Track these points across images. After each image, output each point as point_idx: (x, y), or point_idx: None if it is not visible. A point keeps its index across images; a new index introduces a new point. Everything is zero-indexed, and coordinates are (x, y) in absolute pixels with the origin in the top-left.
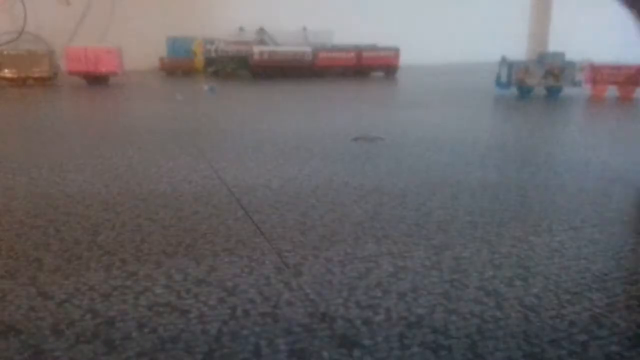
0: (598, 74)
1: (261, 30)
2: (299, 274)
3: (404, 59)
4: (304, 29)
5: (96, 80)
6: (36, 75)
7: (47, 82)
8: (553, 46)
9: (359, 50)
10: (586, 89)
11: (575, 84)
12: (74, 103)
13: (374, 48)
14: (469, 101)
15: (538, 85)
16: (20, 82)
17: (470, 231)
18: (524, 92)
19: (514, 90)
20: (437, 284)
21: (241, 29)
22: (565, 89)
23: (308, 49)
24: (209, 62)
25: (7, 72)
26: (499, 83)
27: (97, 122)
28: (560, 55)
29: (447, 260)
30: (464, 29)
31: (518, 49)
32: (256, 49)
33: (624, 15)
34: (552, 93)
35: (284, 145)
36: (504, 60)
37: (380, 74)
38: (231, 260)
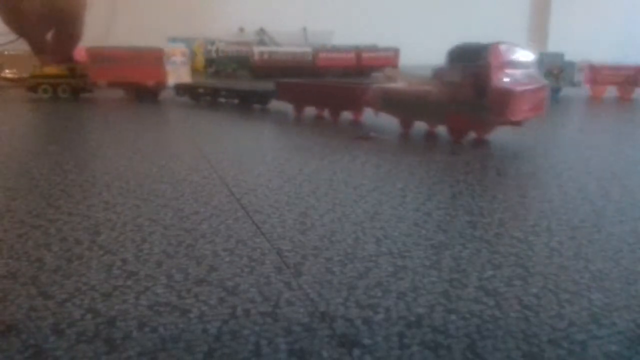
0: (597, 74)
1: (261, 31)
2: (299, 274)
3: (404, 59)
4: (304, 29)
5: None
6: None
7: None
8: (552, 46)
9: (359, 50)
10: (585, 89)
11: (574, 84)
12: (73, 102)
13: (373, 48)
14: None
15: None
16: (21, 83)
17: None
18: None
19: None
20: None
21: (241, 29)
22: (564, 89)
23: (308, 50)
24: (209, 62)
25: (7, 73)
26: None
27: (96, 121)
28: (560, 55)
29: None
30: (463, 29)
31: None
32: (256, 50)
33: (622, 15)
34: (551, 93)
35: (284, 145)
36: None
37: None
38: (231, 260)
